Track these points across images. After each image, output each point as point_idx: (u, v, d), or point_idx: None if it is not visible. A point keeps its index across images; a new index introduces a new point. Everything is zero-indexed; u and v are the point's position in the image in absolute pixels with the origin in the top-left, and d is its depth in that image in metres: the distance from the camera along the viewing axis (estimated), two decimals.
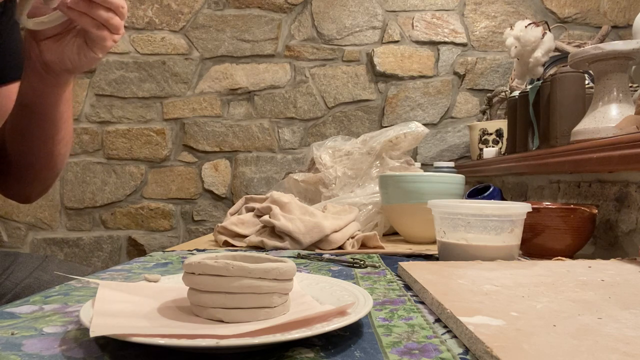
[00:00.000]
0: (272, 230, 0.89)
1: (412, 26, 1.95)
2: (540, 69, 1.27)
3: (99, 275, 0.62)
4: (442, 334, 0.38)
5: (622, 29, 1.90)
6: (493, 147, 1.56)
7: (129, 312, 0.39)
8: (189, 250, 0.85)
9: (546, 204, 0.84)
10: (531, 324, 0.36)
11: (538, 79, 1.26)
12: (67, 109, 0.71)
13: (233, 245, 0.91)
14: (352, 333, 0.39)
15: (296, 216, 0.89)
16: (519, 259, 0.70)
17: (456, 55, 1.95)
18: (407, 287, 0.56)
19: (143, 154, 1.96)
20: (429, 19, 1.95)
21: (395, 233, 1.13)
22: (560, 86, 1.10)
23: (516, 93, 1.35)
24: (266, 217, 0.89)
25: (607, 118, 0.90)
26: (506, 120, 1.44)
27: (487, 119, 1.79)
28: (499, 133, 1.56)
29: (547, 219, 0.76)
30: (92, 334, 0.32)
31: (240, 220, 0.94)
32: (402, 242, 1.02)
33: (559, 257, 0.68)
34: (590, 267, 0.59)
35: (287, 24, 1.96)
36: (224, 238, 0.93)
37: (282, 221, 0.87)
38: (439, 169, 1.53)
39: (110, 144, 1.96)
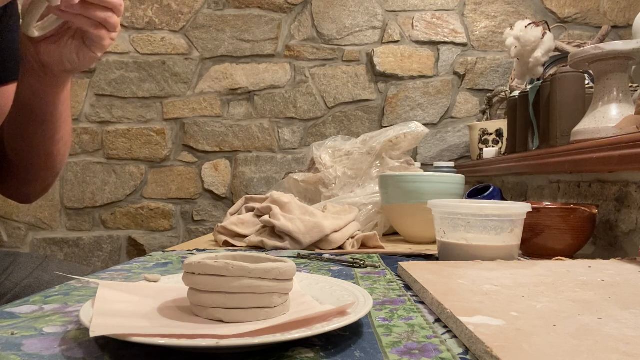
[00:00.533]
0: (272, 230, 0.89)
1: (412, 26, 1.95)
2: (540, 69, 1.27)
3: (99, 275, 0.62)
4: (442, 334, 0.38)
5: (622, 29, 1.90)
6: (493, 147, 1.56)
7: (129, 312, 0.39)
8: (189, 250, 0.85)
9: (546, 204, 0.84)
10: (531, 324, 0.36)
11: (538, 79, 1.26)
12: (65, 108, 0.71)
13: (233, 245, 0.91)
14: (352, 333, 0.39)
15: (296, 216, 0.89)
16: (519, 259, 0.70)
17: (456, 55, 1.95)
18: (407, 287, 0.56)
19: (143, 154, 1.96)
20: (429, 19, 1.95)
21: (395, 233, 1.13)
22: (560, 86, 1.10)
23: (516, 93, 1.35)
24: (266, 217, 0.89)
25: (607, 118, 0.90)
26: (506, 120, 1.44)
27: (487, 119, 1.79)
28: (499, 133, 1.56)
29: (547, 219, 0.76)
30: (92, 334, 0.32)
31: (240, 220, 0.94)
32: (402, 242, 1.02)
33: (559, 257, 0.68)
34: (590, 267, 0.59)
35: (287, 24, 1.96)
36: (224, 238, 0.93)
37: (282, 221, 0.87)
38: (439, 169, 1.53)
39: (110, 144, 1.96)
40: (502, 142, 1.54)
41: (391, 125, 1.27)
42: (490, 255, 0.65)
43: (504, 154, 1.49)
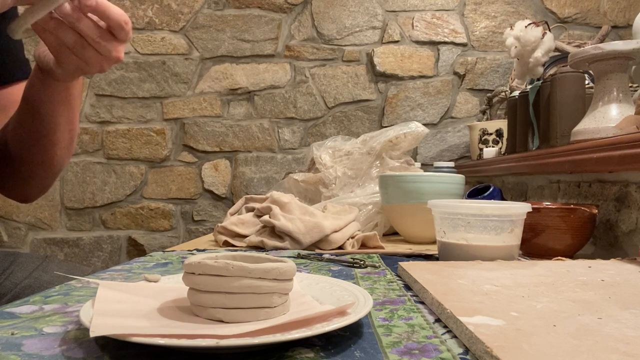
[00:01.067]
0: (272, 230, 0.89)
1: (412, 26, 1.95)
2: (540, 69, 1.27)
3: (99, 275, 0.62)
4: (442, 334, 0.38)
5: (622, 29, 1.90)
6: (493, 147, 1.56)
7: (129, 312, 0.39)
8: (189, 250, 0.85)
9: (546, 204, 0.84)
10: (531, 324, 0.36)
11: (538, 79, 1.26)
12: (64, 111, 0.70)
13: (233, 245, 0.91)
14: (352, 333, 0.39)
15: (296, 216, 0.89)
16: (519, 259, 0.70)
17: (456, 55, 1.95)
18: (407, 287, 0.56)
19: (143, 154, 1.96)
20: (429, 19, 1.95)
21: (395, 233, 1.13)
22: (560, 86, 1.10)
23: (516, 93, 1.35)
24: (266, 217, 0.89)
25: (607, 118, 0.90)
26: (506, 120, 1.44)
27: (487, 119, 1.79)
28: (499, 133, 1.56)
29: (547, 219, 0.76)
30: (92, 334, 0.32)
31: (240, 220, 0.94)
32: (402, 242, 1.02)
33: (559, 257, 0.68)
34: (590, 267, 0.59)
35: (287, 24, 1.96)
36: (224, 238, 0.93)
37: (282, 221, 0.87)
38: (439, 169, 1.53)
39: (110, 144, 1.96)
40: (502, 142, 1.54)
41: (391, 125, 1.27)
42: (490, 255, 0.65)
43: (504, 154, 1.48)
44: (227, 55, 1.96)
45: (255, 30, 1.96)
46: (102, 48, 0.55)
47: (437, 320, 0.42)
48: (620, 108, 0.90)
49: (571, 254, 0.78)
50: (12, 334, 0.38)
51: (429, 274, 0.54)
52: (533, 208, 0.71)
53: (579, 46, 1.47)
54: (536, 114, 1.21)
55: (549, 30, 1.31)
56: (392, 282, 0.59)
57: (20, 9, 0.55)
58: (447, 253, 0.69)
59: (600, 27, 1.71)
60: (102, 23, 0.54)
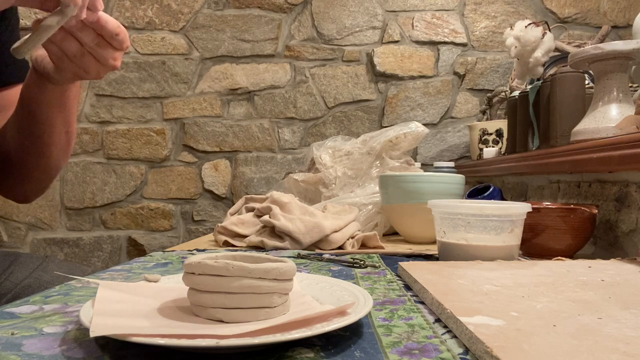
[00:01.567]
0: (272, 230, 0.89)
1: (412, 26, 1.95)
2: (540, 69, 1.27)
3: (99, 275, 0.62)
4: (442, 334, 0.38)
5: (622, 29, 1.90)
6: (493, 147, 1.56)
7: (129, 312, 0.39)
8: (189, 250, 0.85)
9: (546, 204, 0.84)
10: (531, 324, 0.36)
11: (538, 79, 1.26)
12: (59, 113, 0.70)
13: (233, 245, 0.91)
14: (352, 333, 0.39)
15: (296, 216, 0.89)
16: (519, 259, 0.70)
17: (456, 55, 1.95)
18: (407, 287, 0.56)
19: (143, 154, 1.96)
20: (429, 19, 1.95)
21: (395, 233, 1.13)
22: (560, 86, 1.10)
23: (516, 93, 1.35)
24: (266, 217, 0.89)
25: (607, 118, 0.90)
26: (506, 120, 1.44)
27: (487, 119, 1.79)
28: (499, 133, 1.56)
29: (547, 219, 0.76)
30: (92, 334, 0.32)
31: (240, 220, 0.94)
32: (402, 242, 1.02)
33: (559, 257, 0.68)
34: (590, 267, 0.59)
35: (287, 24, 1.96)
36: (224, 238, 0.93)
37: (282, 221, 0.87)
38: (439, 169, 1.53)
39: (110, 144, 1.96)
40: (502, 142, 1.54)
41: (391, 125, 1.27)
42: (490, 255, 0.65)
43: (504, 154, 1.48)
44: (227, 55, 1.96)
45: (255, 30, 1.96)
46: (100, 56, 0.58)
47: (437, 320, 0.42)
48: (620, 108, 0.90)
49: (571, 254, 0.78)
50: (12, 334, 0.38)
51: (429, 274, 0.54)
52: (533, 208, 0.71)
53: (579, 46, 1.47)
54: (536, 114, 1.21)
55: (549, 30, 1.31)
56: (392, 282, 0.59)
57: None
58: (447, 253, 0.69)
59: (600, 27, 1.71)
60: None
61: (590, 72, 1.04)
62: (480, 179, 1.67)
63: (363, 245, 0.89)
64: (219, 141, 1.96)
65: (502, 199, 1.13)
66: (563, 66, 1.31)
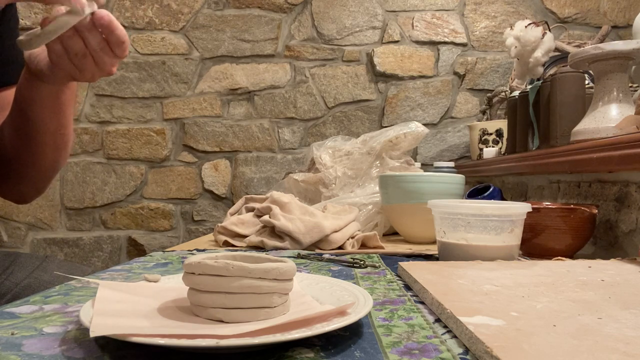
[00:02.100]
0: (272, 230, 0.89)
1: (412, 26, 1.95)
2: (540, 69, 1.27)
3: (99, 275, 0.62)
4: (442, 334, 0.38)
5: (622, 29, 1.90)
6: (493, 147, 1.56)
7: (129, 312, 0.39)
8: (189, 250, 0.85)
9: (546, 204, 0.84)
10: (531, 324, 0.36)
11: (538, 79, 1.26)
12: (53, 114, 0.70)
13: (233, 245, 0.91)
14: (352, 333, 0.39)
15: (296, 216, 0.89)
16: (519, 259, 0.70)
17: (456, 55, 1.95)
18: (407, 287, 0.56)
19: (143, 154, 1.96)
20: (429, 19, 1.95)
21: (395, 233, 1.13)
22: (560, 86, 1.10)
23: (516, 93, 1.35)
24: (266, 217, 0.89)
25: (607, 118, 0.90)
26: (506, 120, 1.44)
27: (487, 119, 1.79)
28: (499, 133, 1.56)
29: (547, 219, 0.76)
30: (92, 334, 0.32)
31: (240, 220, 0.94)
32: (402, 242, 1.02)
33: (559, 257, 0.68)
34: (590, 267, 0.59)
35: (287, 24, 1.96)
36: (224, 238, 0.93)
37: (282, 221, 0.87)
38: (439, 169, 1.53)
39: (110, 144, 1.96)
40: (502, 142, 1.54)
41: (391, 125, 1.27)
42: (490, 255, 0.65)
43: (504, 154, 1.48)
44: (227, 55, 1.96)
45: (255, 30, 1.96)
46: (100, 60, 0.58)
47: (437, 320, 0.42)
48: (620, 108, 0.90)
49: (571, 254, 0.78)
50: (12, 334, 0.38)
51: (429, 274, 0.54)
52: (533, 208, 0.71)
53: (579, 46, 1.47)
54: (536, 114, 1.21)
55: (549, 30, 1.31)
56: (392, 282, 0.59)
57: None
58: (447, 253, 0.69)
59: (600, 27, 1.71)
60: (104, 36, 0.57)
61: (590, 72, 1.04)
62: (480, 179, 1.67)
63: (363, 245, 0.89)
64: (219, 141, 1.96)
65: (502, 199, 1.13)
66: (563, 66, 1.31)
